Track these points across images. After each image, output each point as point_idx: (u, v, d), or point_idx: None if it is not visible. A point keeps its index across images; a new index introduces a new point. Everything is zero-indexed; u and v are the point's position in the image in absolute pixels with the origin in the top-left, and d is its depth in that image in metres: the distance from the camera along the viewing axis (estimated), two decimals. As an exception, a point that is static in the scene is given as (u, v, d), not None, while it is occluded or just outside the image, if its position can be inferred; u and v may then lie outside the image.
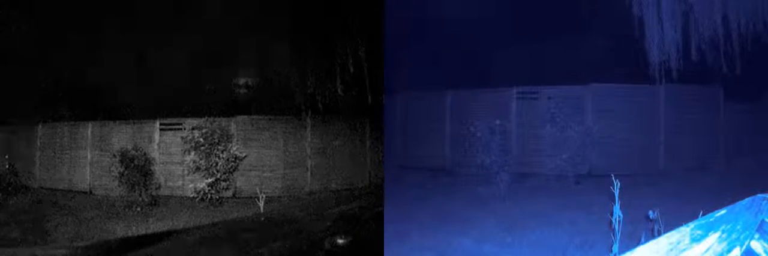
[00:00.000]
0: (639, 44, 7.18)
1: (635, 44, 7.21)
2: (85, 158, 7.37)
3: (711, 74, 7.28)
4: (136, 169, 6.94)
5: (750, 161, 7.19)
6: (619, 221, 4.10)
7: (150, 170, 6.99)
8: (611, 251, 3.70)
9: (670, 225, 4.80)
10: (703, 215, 2.55)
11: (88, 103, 7.76)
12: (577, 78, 7.65)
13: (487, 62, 9.11)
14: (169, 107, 7.20)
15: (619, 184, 3.69)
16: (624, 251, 2.63)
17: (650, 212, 4.30)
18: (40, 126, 7.83)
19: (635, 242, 4.21)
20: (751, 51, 6.98)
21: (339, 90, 7.12)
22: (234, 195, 6.93)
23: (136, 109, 7.26)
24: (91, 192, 7.27)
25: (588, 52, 7.96)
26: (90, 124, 7.45)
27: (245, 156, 6.98)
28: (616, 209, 3.94)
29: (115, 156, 6.94)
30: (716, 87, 7.65)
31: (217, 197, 6.81)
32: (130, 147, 7.08)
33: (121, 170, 6.97)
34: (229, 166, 6.87)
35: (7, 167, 7.77)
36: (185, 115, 7.14)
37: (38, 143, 7.73)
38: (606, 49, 7.80)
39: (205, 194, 6.75)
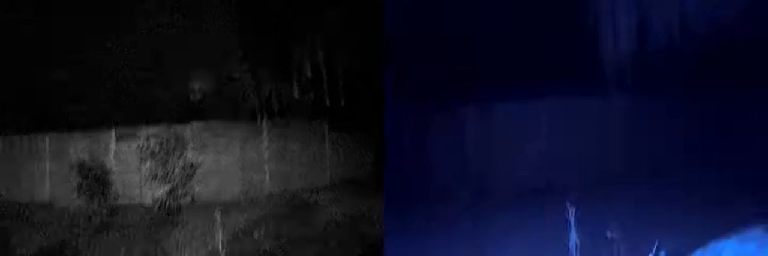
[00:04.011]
0: (593, 50, 7.60)
1: (590, 50, 7.64)
2: (44, 171, 7.83)
3: (667, 80, 7.71)
4: (94, 180, 7.35)
5: (710, 163, 7.64)
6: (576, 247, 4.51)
7: (108, 180, 7.40)
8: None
9: (631, 239, 5.21)
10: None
11: (42, 113, 8.17)
12: (533, 91, 8.04)
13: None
14: (123, 115, 7.60)
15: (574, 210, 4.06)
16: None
17: (608, 232, 4.68)
18: (-4, 140, 8.33)
19: None
20: (711, 54, 7.23)
21: (295, 94, 7.51)
22: (192, 201, 7.34)
23: (91, 117, 7.64)
24: (51, 204, 7.71)
25: (543, 60, 8.37)
26: (47, 137, 7.90)
27: (202, 163, 7.42)
28: (573, 236, 4.31)
29: (72, 168, 7.40)
30: (671, 92, 7.80)
31: (176, 204, 7.26)
32: (87, 158, 7.52)
33: (80, 181, 7.41)
34: (186, 173, 7.29)
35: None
36: (140, 122, 7.58)
37: (-4, 157, 8.21)
38: (561, 56, 8.21)
39: (163, 202, 7.19)
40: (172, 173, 7.22)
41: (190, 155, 7.22)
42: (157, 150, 7.27)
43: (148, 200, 7.22)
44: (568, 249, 5.20)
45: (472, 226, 6.38)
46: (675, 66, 7.34)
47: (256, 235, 6.91)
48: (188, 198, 7.34)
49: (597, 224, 5.66)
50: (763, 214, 5.78)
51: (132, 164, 7.39)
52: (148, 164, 7.27)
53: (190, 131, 7.43)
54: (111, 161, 7.42)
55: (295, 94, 7.52)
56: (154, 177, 7.24)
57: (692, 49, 7.26)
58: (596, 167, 7.59)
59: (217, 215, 7.20)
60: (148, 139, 7.40)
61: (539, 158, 7.55)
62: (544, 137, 7.73)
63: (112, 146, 7.52)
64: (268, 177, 7.47)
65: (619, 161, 7.63)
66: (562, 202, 6.23)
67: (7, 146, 8.13)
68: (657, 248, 5.06)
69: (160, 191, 7.17)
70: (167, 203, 7.13)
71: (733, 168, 6.77)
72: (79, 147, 7.60)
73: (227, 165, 7.44)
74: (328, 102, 7.52)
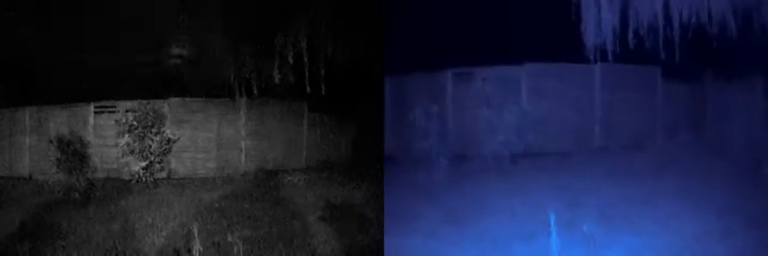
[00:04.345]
0: (575, 26, 7.61)
1: (571, 26, 7.64)
2: (24, 144, 7.89)
3: (648, 58, 7.73)
4: (73, 153, 7.45)
5: (686, 139, 7.71)
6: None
7: (86, 153, 7.50)
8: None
9: (608, 212, 5.31)
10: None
11: (20, 86, 8.24)
12: (512, 58, 8.07)
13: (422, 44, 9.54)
14: (101, 88, 7.66)
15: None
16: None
17: (584, 227, 4.80)
18: (-21, 113, 8.41)
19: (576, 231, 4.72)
20: (691, 37, 7.29)
21: (276, 73, 7.54)
22: (168, 176, 7.49)
23: (70, 90, 7.72)
24: (30, 178, 7.82)
25: (522, 33, 8.39)
26: (27, 110, 7.95)
27: (178, 138, 7.51)
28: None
29: (51, 142, 7.48)
30: (654, 67, 7.98)
31: (152, 179, 7.38)
32: (65, 132, 7.61)
33: (58, 156, 7.50)
34: (163, 148, 7.39)
35: None
36: (118, 96, 7.66)
37: (-20, 129, 8.30)
38: (541, 30, 8.23)
39: (140, 176, 7.31)
40: (149, 148, 7.36)
41: (167, 132, 7.35)
42: (135, 124, 7.41)
43: (124, 175, 7.43)
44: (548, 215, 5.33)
45: (454, 192, 6.49)
46: (655, 46, 7.36)
47: (228, 212, 7.05)
48: (164, 173, 7.52)
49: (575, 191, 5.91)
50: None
51: (109, 137, 7.54)
52: (126, 138, 7.40)
53: (167, 106, 7.55)
54: (89, 135, 7.58)
55: (276, 73, 7.57)
56: (132, 152, 7.40)
57: (673, 32, 7.36)
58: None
59: (192, 191, 7.39)
60: (126, 113, 7.56)
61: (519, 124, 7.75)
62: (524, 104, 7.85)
63: (91, 120, 7.63)
64: (243, 155, 7.63)
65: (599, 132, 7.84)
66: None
67: (-10, 119, 8.33)
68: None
69: (137, 166, 7.35)
70: (144, 178, 7.35)
71: (710, 150, 6.88)
72: (58, 120, 7.70)
73: (203, 141, 7.61)
74: (308, 82, 7.60)
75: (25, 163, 7.92)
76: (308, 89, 7.43)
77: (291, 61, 7.49)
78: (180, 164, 7.44)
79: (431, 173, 6.73)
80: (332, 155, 8.09)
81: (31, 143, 7.90)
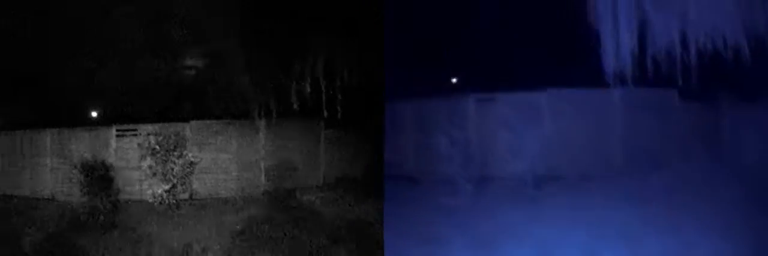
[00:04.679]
0: (594, 51, 7.77)
1: (591, 52, 7.80)
2: (45, 165, 7.96)
3: (666, 81, 7.79)
4: (97, 176, 7.56)
5: (703, 162, 7.89)
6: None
7: (109, 176, 7.62)
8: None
9: (628, 237, 5.40)
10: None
11: (43, 109, 8.34)
12: (533, 83, 8.25)
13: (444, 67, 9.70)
14: (123, 112, 7.77)
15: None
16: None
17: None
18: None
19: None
20: (707, 62, 7.43)
21: (294, 101, 7.67)
22: (190, 197, 7.60)
23: (91, 114, 7.82)
24: (53, 198, 7.93)
25: (543, 59, 8.54)
26: (48, 132, 8.06)
27: (200, 161, 7.62)
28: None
29: (75, 166, 7.53)
30: (671, 90, 8.02)
31: (175, 200, 7.50)
32: (88, 155, 7.70)
33: (82, 178, 7.60)
34: (186, 171, 7.52)
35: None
36: (139, 120, 7.77)
37: (-1, 151, 8.41)
38: (561, 55, 8.36)
39: (163, 199, 7.43)
40: (171, 171, 7.48)
41: (189, 155, 7.46)
42: (157, 148, 7.52)
43: (147, 197, 7.49)
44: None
45: (476, 215, 6.63)
46: (672, 69, 7.56)
47: (249, 233, 7.20)
48: (186, 194, 7.65)
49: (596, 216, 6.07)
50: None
51: (132, 160, 7.63)
52: (148, 161, 7.51)
53: (188, 128, 7.66)
54: (111, 157, 7.68)
55: (294, 94, 7.70)
56: (154, 174, 7.49)
57: (690, 55, 7.52)
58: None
59: (214, 212, 7.53)
60: (148, 136, 7.68)
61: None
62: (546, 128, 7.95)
63: (113, 142, 7.73)
64: (263, 175, 7.72)
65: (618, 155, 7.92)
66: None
67: (7, 140, 8.23)
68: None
69: (160, 188, 7.46)
70: (167, 200, 7.46)
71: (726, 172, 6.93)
72: (80, 143, 7.76)
73: (224, 162, 7.72)
74: (325, 103, 7.73)
75: (46, 184, 8.02)
76: (325, 103, 7.63)
77: (309, 83, 7.70)
78: (202, 186, 7.54)
79: (455, 196, 6.92)
80: (348, 174, 8.25)
81: (52, 165, 8.07)
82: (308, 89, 7.70)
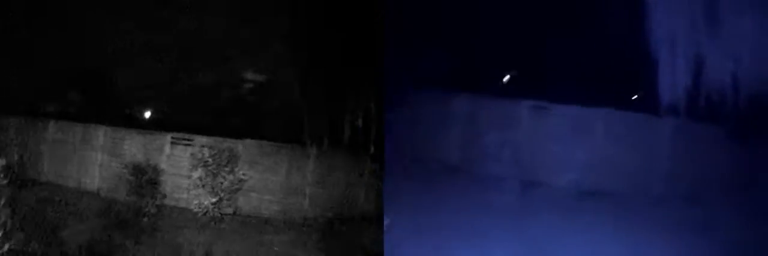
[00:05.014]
0: (653, 83, 8.27)
1: (649, 82, 8.30)
2: (95, 160, 8.26)
3: (714, 118, 8.34)
4: (146, 180, 7.84)
5: (742, 196, 8.09)
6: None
7: (158, 180, 7.92)
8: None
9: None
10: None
11: (100, 105, 8.49)
12: (589, 100, 8.68)
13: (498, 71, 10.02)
14: (181, 121, 7.99)
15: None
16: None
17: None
18: (51, 123, 8.58)
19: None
20: (755, 103, 8.00)
21: (345, 134, 8.00)
22: (234, 213, 7.98)
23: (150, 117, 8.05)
24: (98, 193, 8.22)
25: (604, 80, 8.89)
26: (103, 128, 8.31)
27: (248, 179, 7.96)
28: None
29: (126, 166, 7.86)
30: (718, 127, 8.50)
31: (219, 213, 7.85)
32: (141, 157, 8.01)
33: (131, 179, 7.89)
34: (233, 187, 7.85)
35: (16, 158, 8.54)
36: (196, 131, 8.05)
37: (50, 139, 8.55)
38: (622, 78, 8.74)
39: (208, 211, 7.77)
40: (220, 185, 7.80)
41: (240, 173, 7.80)
42: (209, 161, 7.82)
43: (193, 206, 7.81)
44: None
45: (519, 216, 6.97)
46: (721, 108, 8.11)
47: (287, 254, 7.61)
48: (230, 209, 8.00)
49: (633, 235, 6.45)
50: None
51: (183, 168, 7.96)
52: (199, 172, 7.82)
53: (242, 146, 8.03)
54: (164, 163, 7.97)
55: (346, 129, 8.02)
56: (203, 186, 7.81)
57: (740, 98, 8.02)
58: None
59: (254, 230, 7.90)
60: (201, 147, 7.97)
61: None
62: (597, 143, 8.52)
63: (167, 149, 8.04)
64: (307, 201, 8.10)
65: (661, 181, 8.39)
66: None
67: (60, 131, 8.48)
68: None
69: (207, 200, 7.79)
70: (212, 212, 7.80)
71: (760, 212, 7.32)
72: (134, 144, 8.09)
73: (272, 184, 8.08)
74: (374, 138, 8.09)
75: (93, 179, 8.31)
76: (372, 147, 8.05)
77: (361, 116, 8.04)
78: (247, 203, 7.93)
79: (501, 194, 7.29)
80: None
81: (102, 161, 8.34)
82: (360, 123, 8.17)
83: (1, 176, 4.43)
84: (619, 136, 8.43)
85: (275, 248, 7.65)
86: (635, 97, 9.20)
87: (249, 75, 8.73)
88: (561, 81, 9.00)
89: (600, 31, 8.55)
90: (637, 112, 8.62)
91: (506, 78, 9.07)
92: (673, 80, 8.11)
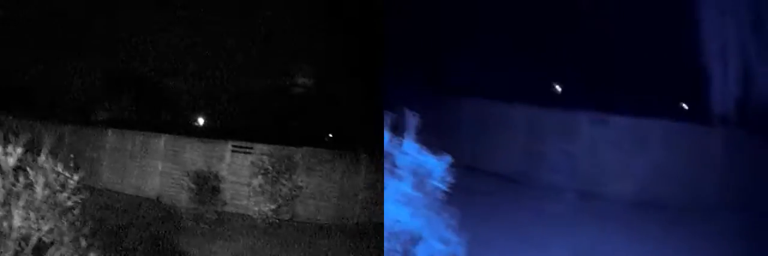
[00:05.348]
0: (705, 94, 8.55)
1: (701, 94, 8.59)
2: (155, 168, 8.60)
3: (764, 130, 8.43)
4: (208, 187, 8.11)
5: None
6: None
7: (219, 188, 8.22)
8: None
9: None
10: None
11: (159, 115, 8.83)
12: (643, 111, 8.89)
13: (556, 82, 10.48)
14: (240, 130, 8.31)
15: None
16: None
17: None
18: (109, 131, 9.00)
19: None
20: None
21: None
22: (291, 219, 8.27)
23: (208, 126, 8.39)
24: (158, 200, 8.48)
25: (661, 90, 9.28)
26: (163, 137, 8.67)
27: (306, 186, 8.25)
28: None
29: (188, 174, 8.17)
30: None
31: (277, 220, 8.11)
32: (202, 165, 8.33)
33: (192, 186, 8.18)
34: (292, 194, 8.15)
35: (72, 165, 8.76)
36: (255, 139, 8.36)
37: (107, 147, 8.87)
38: (677, 91, 9.13)
39: (267, 217, 8.06)
40: (280, 191, 8.09)
41: (298, 180, 8.14)
42: (269, 169, 8.12)
43: (251, 212, 8.12)
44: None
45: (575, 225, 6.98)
46: None
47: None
48: (288, 215, 8.29)
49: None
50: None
51: (243, 176, 8.28)
52: (259, 179, 8.15)
53: (300, 154, 8.37)
54: (224, 171, 8.29)
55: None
56: (263, 193, 8.13)
57: None
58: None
59: (310, 235, 8.15)
60: (261, 155, 8.29)
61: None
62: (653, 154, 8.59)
63: (228, 157, 8.38)
64: (358, 206, 8.41)
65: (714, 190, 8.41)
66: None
67: (118, 139, 8.85)
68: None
69: (266, 207, 8.08)
70: (271, 219, 8.08)
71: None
72: (195, 152, 8.44)
73: (327, 190, 8.39)
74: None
75: (154, 186, 8.63)
76: None
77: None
78: (303, 209, 8.24)
79: (559, 204, 7.36)
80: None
81: (162, 169, 8.64)
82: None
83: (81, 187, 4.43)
84: (673, 146, 8.61)
85: (328, 252, 7.93)
86: (686, 107, 9.63)
87: (299, 80, 9.15)
88: (617, 92, 9.33)
89: (653, 43, 8.99)
90: (690, 123, 8.84)
91: (559, 88, 9.51)
92: (724, 91, 8.37)
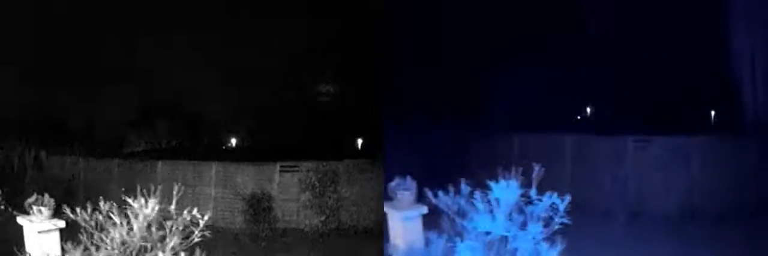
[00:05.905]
0: (736, 101, 9.23)
1: (733, 101, 9.29)
2: (208, 194, 9.29)
3: None
4: (262, 208, 8.73)
5: None
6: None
7: (271, 206, 8.84)
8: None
9: None
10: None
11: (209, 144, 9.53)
12: (682, 128, 9.60)
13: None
14: (285, 150, 8.98)
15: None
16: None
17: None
18: (160, 163, 9.76)
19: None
20: None
21: None
22: (337, 227, 8.86)
23: (255, 150, 9.08)
24: (213, 224, 8.91)
25: (694, 110, 9.87)
26: (214, 164, 9.42)
27: (350, 195, 8.92)
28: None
29: (244, 199, 8.72)
30: None
31: (326, 230, 8.71)
32: (254, 187, 8.99)
33: (246, 208, 8.76)
34: (338, 204, 8.78)
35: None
36: (300, 157, 9.15)
37: (158, 178, 9.54)
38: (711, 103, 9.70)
39: (318, 229, 8.67)
40: (327, 203, 8.73)
41: (343, 191, 8.81)
42: (316, 184, 8.79)
43: (302, 226, 8.78)
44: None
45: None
46: None
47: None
48: (334, 225, 8.87)
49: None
50: None
51: (291, 193, 8.96)
52: (307, 194, 8.82)
53: (341, 167, 9.07)
54: (275, 190, 8.95)
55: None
56: (311, 207, 8.77)
57: None
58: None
59: (355, 242, 8.64)
60: (307, 172, 8.97)
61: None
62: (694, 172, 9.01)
63: (276, 177, 9.09)
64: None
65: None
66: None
67: (168, 169, 9.56)
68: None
69: (316, 219, 8.70)
70: (321, 229, 8.67)
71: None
72: (245, 176, 9.15)
73: (367, 197, 9.01)
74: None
75: (206, 211, 9.08)
76: None
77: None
78: (348, 217, 8.87)
79: (610, 226, 7.77)
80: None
81: (215, 194, 9.33)
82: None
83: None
84: (710, 159, 8.98)
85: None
86: (720, 120, 10.15)
87: (325, 98, 9.88)
88: (655, 112, 9.99)
89: (684, 59, 9.58)
90: (725, 135, 9.35)
91: (588, 112, 10.14)
92: (755, 102, 8.89)
